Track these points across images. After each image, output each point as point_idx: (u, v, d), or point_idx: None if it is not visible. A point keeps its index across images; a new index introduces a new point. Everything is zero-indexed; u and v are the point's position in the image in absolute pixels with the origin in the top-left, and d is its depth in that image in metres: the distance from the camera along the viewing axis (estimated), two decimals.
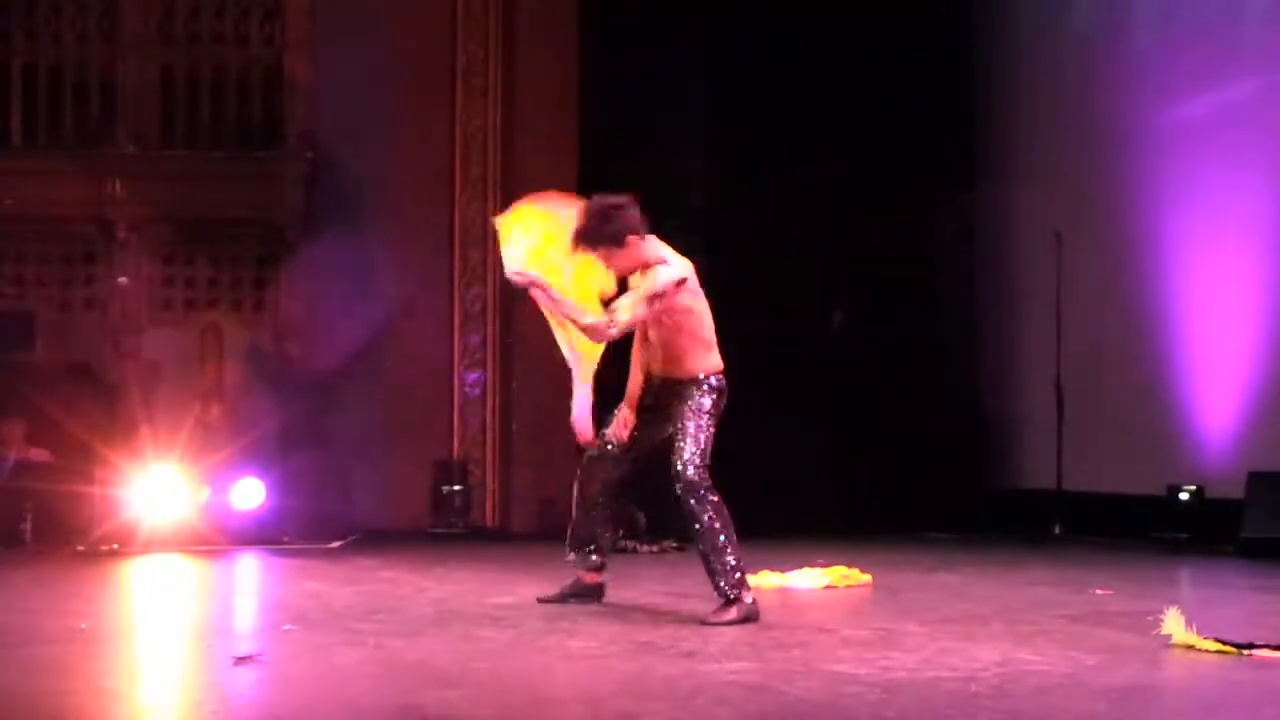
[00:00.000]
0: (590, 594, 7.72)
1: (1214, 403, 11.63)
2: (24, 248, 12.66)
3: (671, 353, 7.31)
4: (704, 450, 7.17)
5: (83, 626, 6.94)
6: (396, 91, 13.19)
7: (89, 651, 6.32)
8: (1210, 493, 11.32)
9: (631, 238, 7.23)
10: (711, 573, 7.13)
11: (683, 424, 7.18)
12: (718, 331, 7.39)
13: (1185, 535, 11.22)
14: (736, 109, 12.64)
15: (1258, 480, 10.93)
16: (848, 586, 8.81)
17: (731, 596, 7.09)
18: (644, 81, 12.51)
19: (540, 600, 7.73)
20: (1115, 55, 12.54)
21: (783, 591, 8.62)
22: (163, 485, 10.98)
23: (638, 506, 11.09)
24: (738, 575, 7.11)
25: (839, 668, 5.87)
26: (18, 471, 11.26)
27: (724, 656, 6.12)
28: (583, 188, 13.30)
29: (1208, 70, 11.82)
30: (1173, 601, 6.80)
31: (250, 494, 11.34)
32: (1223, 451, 11.48)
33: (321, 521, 11.41)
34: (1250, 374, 11.44)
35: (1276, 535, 10.62)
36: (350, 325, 12.69)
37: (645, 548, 10.87)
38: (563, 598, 7.71)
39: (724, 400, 7.31)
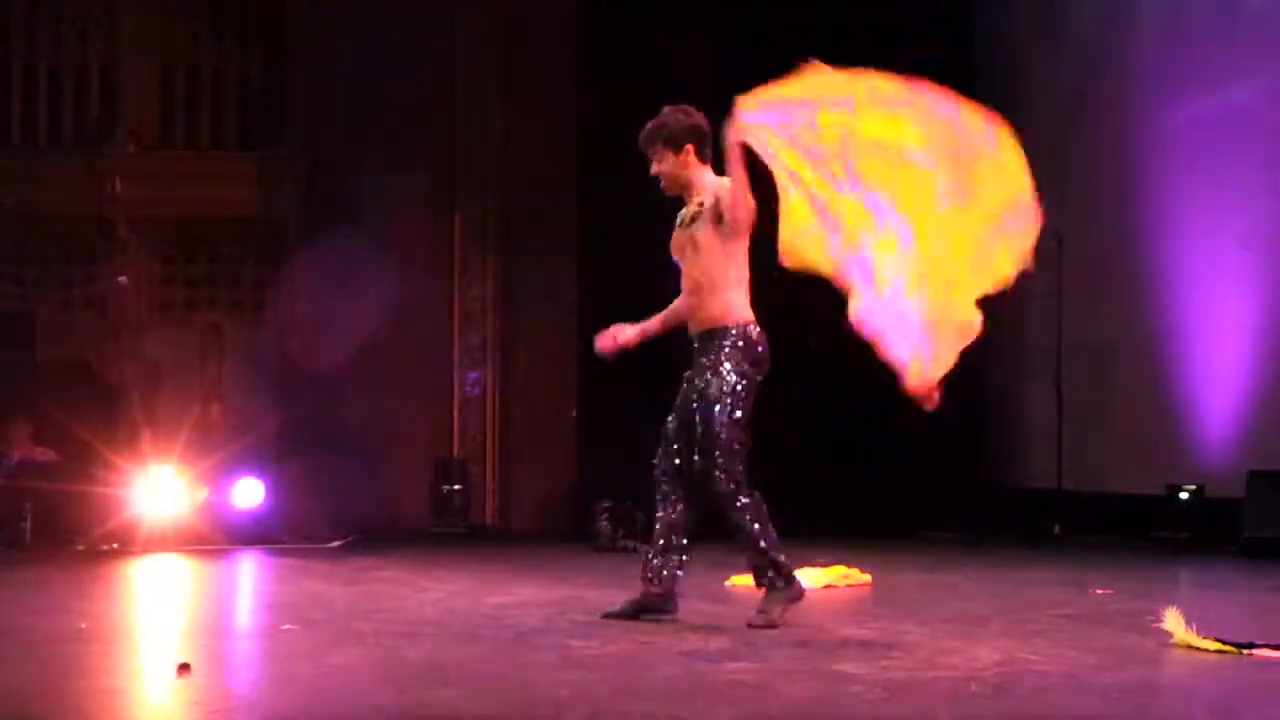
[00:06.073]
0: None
1: (1214, 403, 11.63)
2: (24, 248, 12.67)
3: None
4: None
5: (83, 626, 6.94)
6: (396, 92, 13.18)
7: (89, 651, 6.32)
8: (1210, 493, 11.32)
9: (690, 147, 7.10)
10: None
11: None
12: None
13: (1185, 535, 11.22)
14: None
15: (1258, 480, 10.93)
16: (848, 586, 8.80)
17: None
18: (645, 81, 12.49)
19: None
20: (1116, 55, 12.53)
21: None
22: (163, 485, 10.97)
23: (637, 506, 11.08)
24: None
25: (839, 668, 5.86)
26: (19, 471, 11.25)
27: (724, 656, 6.12)
28: (583, 187, 13.37)
29: (1209, 70, 11.80)
30: (1173, 601, 6.80)
31: (250, 494, 11.33)
32: (1223, 451, 11.48)
33: (321, 521, 11.40)
34: (1250, 374, 11.43)
35: (1276, 535, 10.63)
36: (350, 325, 12.68)
37: (645, 548, 10.83)
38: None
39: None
